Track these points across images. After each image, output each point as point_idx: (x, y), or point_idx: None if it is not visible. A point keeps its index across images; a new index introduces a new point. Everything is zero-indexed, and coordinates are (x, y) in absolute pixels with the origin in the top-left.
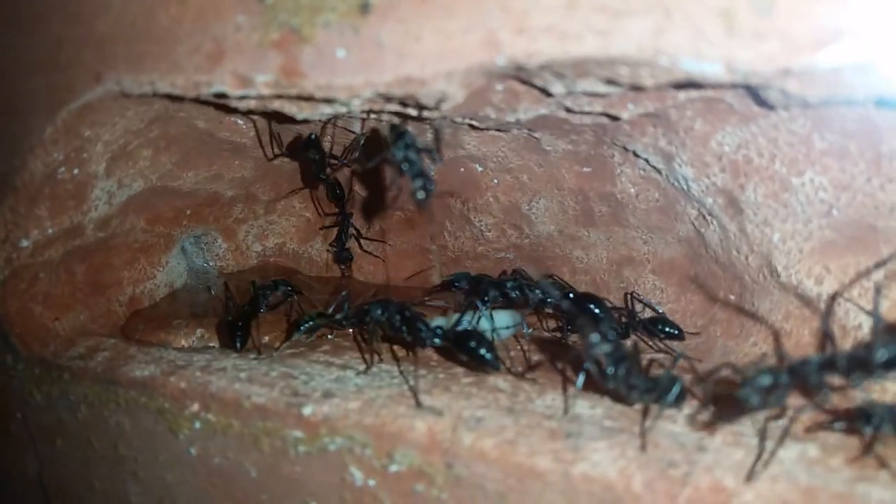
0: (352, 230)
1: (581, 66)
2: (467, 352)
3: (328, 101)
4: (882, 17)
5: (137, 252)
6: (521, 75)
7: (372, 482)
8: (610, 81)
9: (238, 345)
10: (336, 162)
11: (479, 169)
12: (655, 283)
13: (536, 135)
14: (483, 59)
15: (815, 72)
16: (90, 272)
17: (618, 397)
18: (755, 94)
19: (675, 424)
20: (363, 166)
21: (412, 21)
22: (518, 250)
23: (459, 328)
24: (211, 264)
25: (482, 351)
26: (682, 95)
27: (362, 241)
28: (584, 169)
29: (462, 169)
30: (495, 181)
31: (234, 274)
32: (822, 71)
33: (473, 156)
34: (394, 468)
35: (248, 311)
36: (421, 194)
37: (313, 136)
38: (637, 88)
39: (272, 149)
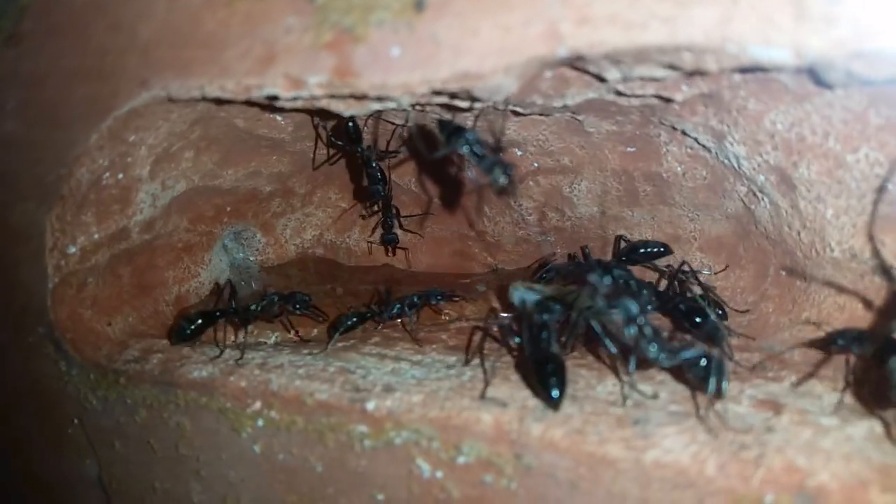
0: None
1: (643, 53)
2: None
3: (380, 99)
4: None
5: (181, 251)
6: (577, 63)
7: (440, 474)
8: (671, 67)
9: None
10: (383, 152)
11: (519, 153)
12: (703, 261)
13: (580, 117)
14: (544, 52)
15: (884, 53)
16: (136, 274)
17: (679, 377)
18: (815, 75)
19: (739, 405)
20: (426, 158)
21: (469, 16)
22: (559, 233)
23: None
24: (251, 259)
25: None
26: (738, 77)
27: (406, 217)
28: (629, 149)
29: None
30: (535, 164)
31: (274, 268)
32: (891, 51)
33: (513, 140)
34: (462, 460)
35: (214, 313)
36: (503, 180)
37: (351, 124)
38: (700, 73)
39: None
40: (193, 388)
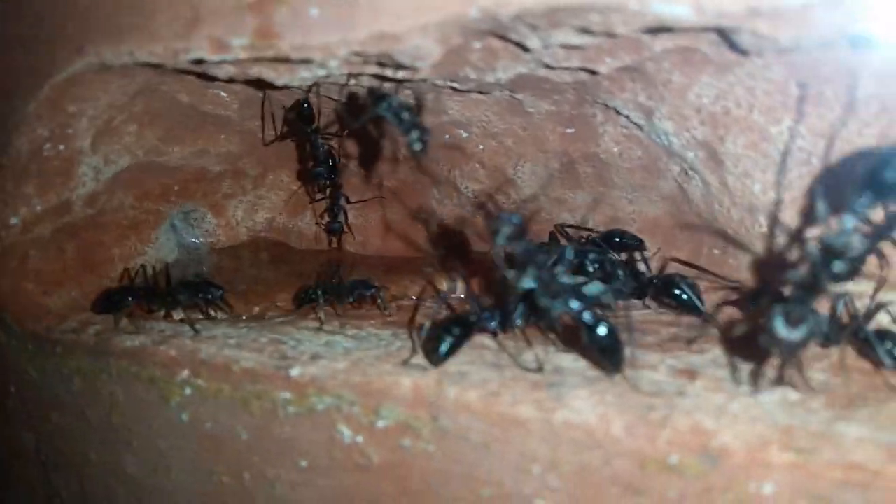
0: (343, 202)
1: (553, 15)
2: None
3: (305, 61)
4: None
5: (127, 229)
6: (497, 30)
7: (360, 438)
8: (583, 30)
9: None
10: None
11: (464, 135)
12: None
13: (518, 96)
14: (458, 11)
15: (783, 10)
16: (81, 249)
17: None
18: (728, 38)
19: (656, 373)
20: (349, 127)
21: None
22: None
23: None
24: (201, 241)
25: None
26: (658, 46)
27: (356, 203)
28: (568, 130)
29: (447, 136)
30: (480, 147)
31: (225, 249)
32: (791, 9)
33: (458, 121)
34: (381, 424)
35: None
36: (418, 145)
37: (306, 104)
38: (611, 35)
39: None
40: (125, 357)
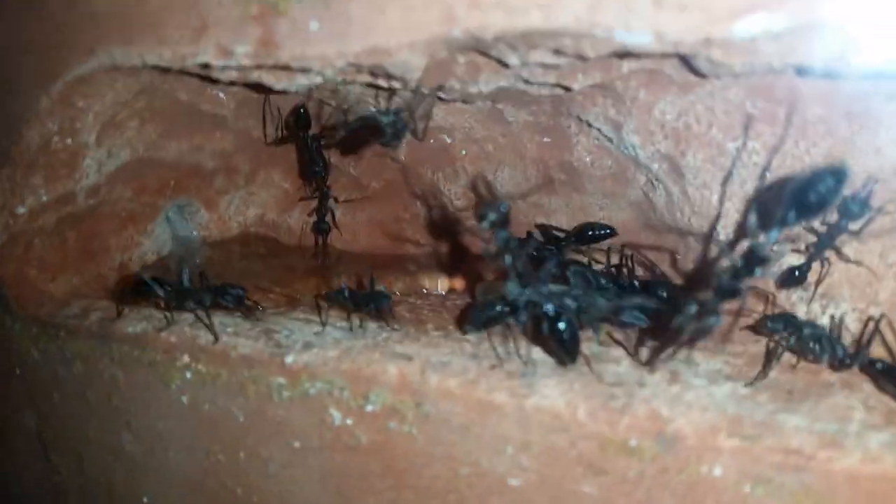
0: (331, 203)
1: (529, 37)
2: None
3: (303, 70)
4: None
5: (125, 220)
6: (479, 47)
7: (349, 421)
8: (557, 52)
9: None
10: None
11: (448, 140)
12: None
13: (499, 106)
14: (442, 31)
15: (733, 41)
16: (81, 239)
17: None
18: (688, 63)
19: (619, 366)
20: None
21: None
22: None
23: None
24: (195, 234)
25: None
26: (626, 67)
27: (343, 202)
28: (545, 139)
29: (432, 140)
30: (463, 152)
31: (217, 243)
32: (740, 40)
33: (442, 127)
34: (369, 408)
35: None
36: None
37: (303, 110)
38: (582, 58)
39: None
40: (127, 342)
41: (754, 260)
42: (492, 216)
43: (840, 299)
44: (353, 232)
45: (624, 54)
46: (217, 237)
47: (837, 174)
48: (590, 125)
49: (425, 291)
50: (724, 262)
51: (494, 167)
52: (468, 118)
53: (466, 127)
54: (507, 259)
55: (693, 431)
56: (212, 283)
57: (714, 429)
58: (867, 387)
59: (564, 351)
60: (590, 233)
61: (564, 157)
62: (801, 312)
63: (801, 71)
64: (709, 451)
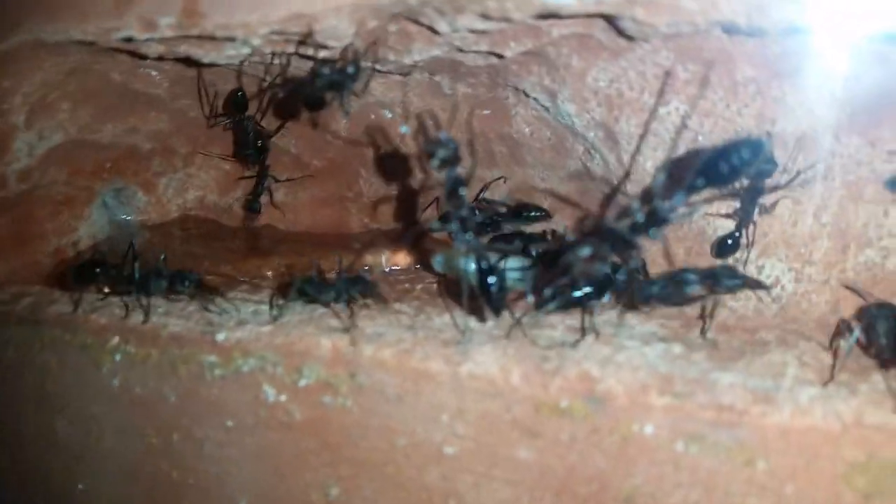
0: (268, 183)
1: (455, 1)
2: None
3: (229, 39)
4: None
5: (60, 205)
6: (406, 13)
7: (283, 397)
8: (484, 16)
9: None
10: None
11: (388, 115)
12: (556, 220)
13: (437, 78)
14: None
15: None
16: (14, 224)
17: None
18: (614, 25)
19: (555, 331)
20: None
21: None
22: (430, 192)
23: None
24: (131, 218)
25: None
26: (556, 32)
27: (285, 181)
28: (484, 111)
29: (372, 115)
30: (403, 129)
31: (156, 226)
32: None
33: (381, 102)
34: (303, 382)
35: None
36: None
37: (240, 93)
38: (508, 20)
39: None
40: (58, 325)
41: (653, 219)
42: (441, 153)
43: (776, 259)
44: (295, 211)
45: (550, 15)
46: (156, 220)
47: (754, 146)
48: (527, 95)
49: (366, 268)
50: (626, 218)
51: None
52: (407, 92)
53: (405, 101)
54: (455, 208)
55: (623, 391)
56: (164, 269)
57: (645, 387)
58: (803, 344)
59: (490, 303)
60: (524, 213)
61: (504, 129)
62: None
63: (726, 28)
64: (640, 409)
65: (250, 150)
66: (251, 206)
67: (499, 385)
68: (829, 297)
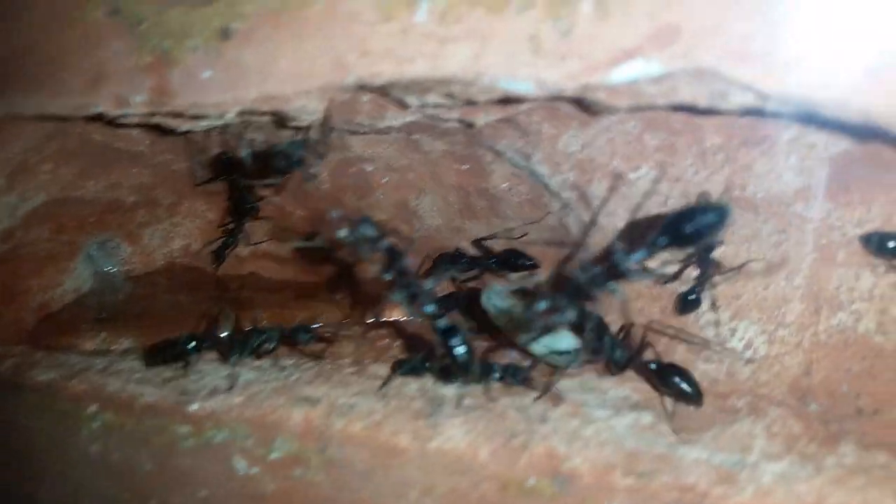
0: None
1: (419, 84)
2: None
3: (198, 117)
4: (670, 36)
5: (44, 260)
6: (375, 91)
7: (255, 470)
8: (449, 96)
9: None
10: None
11: (369, 168)
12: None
13: (414, 137)
14: (335, 78)
15: (613, 85)
16: None
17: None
18: (578, 103)
19: (525, 398)
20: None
21: (270, 46)
22: (411, 243)
23: None
24: (116, 269)
25: None
26: (524, 105)
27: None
28: (463, 167)
29: (353, 168)
30: (385, 179)
31: (141, 276)
32: (621, 84)
33: (361, 156)
34: (274, 455)
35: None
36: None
37: (226, 157)
38: (472, 103)
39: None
40: (38, 391)
41: (612, 272)
42: (360, 234)
43: (749, 321)
44: (279, 260)
45: (513, 100)
46: (141, 270)
47: (719, 212)
48: (503, 154)
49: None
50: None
51: (416, 194)
52: (386, 147)
53: (385, 156)
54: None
55: (589, 469)
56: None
57: (609, 466)
58: (773, 411)
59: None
60: (513, 260)
61: (482, 184)
62: (710, 335)
63: (688, 109)
64: (604, 490)
65: (248, 206)
66: (219, 256)
67: (466, 462)
68: (801, 360)
